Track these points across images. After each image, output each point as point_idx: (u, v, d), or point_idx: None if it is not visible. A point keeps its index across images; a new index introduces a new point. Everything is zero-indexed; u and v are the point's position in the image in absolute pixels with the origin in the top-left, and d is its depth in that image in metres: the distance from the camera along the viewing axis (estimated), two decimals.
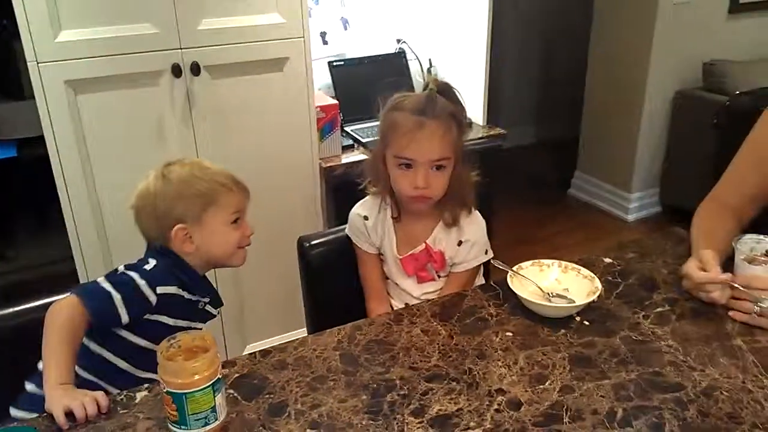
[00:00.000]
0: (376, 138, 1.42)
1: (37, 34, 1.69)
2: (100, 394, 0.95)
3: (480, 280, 1.50)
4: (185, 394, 0.86)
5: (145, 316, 1.16)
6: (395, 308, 1.42)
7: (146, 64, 1.84)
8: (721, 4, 3.36)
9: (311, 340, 1.13)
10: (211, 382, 0.88)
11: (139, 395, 0.99)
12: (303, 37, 2.04)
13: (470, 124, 2.54)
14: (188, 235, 1.23)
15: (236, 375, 1.04)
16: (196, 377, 0.86)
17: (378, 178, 1.38)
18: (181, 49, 1.87)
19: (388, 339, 1.13)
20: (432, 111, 1.28)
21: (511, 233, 3.39)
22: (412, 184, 1.31)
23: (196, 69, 1.89)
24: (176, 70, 1.87)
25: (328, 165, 2.23)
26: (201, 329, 1.26)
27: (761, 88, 3.03)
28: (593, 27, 3.51)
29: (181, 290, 1.22)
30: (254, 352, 1.09)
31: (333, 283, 1.51)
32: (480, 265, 1.44)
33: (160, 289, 1.17)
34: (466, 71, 2.60)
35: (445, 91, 1.32)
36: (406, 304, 1.41)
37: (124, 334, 1.16)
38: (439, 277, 1.45)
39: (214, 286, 2.11)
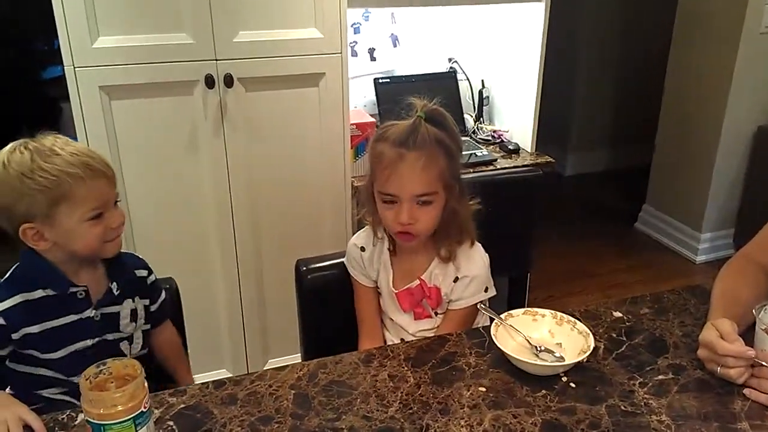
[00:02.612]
0: None
1: (74, 38, 1.74)
2: (32, 418, 0.93)
3: (484, 320, 1.39)
4: (103, 425, 0.82)
5: (26, 330, 1.11)
6: (390, 343, 1.35)
7: (180, 74, 1.86)
8: None
9: (270, 375, 1.07)
10: (134, 414, 0.84)
11: (81, 417, 0.97)
12: (341, 53, 2.01)
13: (517, 150, 2.43)
14: (39, 234, 1.09)
15: (181, 406, 1.00)
16: (118, 408, 0.83)
17: (369, 210, 1.32)
18: (216, 60, 1.88)
19: (350, 381, 1.06)
20: (413, 142, 1.20)
21: (566, 266, 3.23)
22: (396, 219, 1.23)
23: (229, 81, 1.89)
24: (209, 81, 1.88)
25: (361, 184, 2.18)
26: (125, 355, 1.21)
27: None
28: (671, 53, 3.30)
29: (46, 291, 1.13)
30: (207, 383, 1.05)
31: (329, 309, 1.46)
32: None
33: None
34: (518, 94, 2.49)
35: (435, 117, 1.23)
36: (402, 339, 1.33)
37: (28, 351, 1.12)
38: (436, 314, 1.36)
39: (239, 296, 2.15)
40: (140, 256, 1.33)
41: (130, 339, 1.24)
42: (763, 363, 1.01)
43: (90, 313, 1.18)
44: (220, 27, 1.85)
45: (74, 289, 1.16)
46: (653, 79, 3.45)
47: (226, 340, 2.22)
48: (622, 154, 4.35)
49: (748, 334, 1.07)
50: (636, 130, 3.98)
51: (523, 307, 1.19)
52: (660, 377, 1.06)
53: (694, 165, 3.25)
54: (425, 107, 1.23)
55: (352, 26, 2.41)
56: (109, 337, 1.21)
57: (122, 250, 1.27)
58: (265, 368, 1.10)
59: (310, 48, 1.97)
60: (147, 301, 1.29)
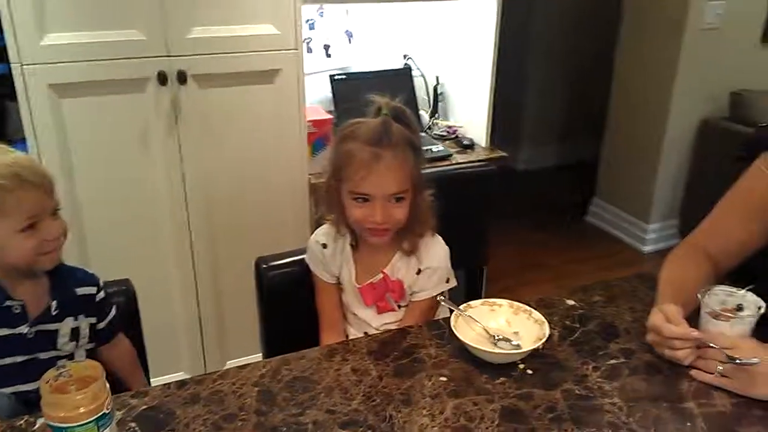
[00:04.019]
0: None
1: (21, 36, 1.69)
2: None
3: (443, 312, 1.42)
4: (66, 428, 0.82)
5: None
6: (353, 338, 1.36)
7: (132, 71, 1.83)
8: (752, 32, 3.20)
9: (232, 373, 1.07)
10: (96, 416, 0.83)
11: (40, 421, 0.95)
12: (296, 49, 2.00)
13: (472, 145, 2.47)
14: None
15: (143, 407, 0.99)
16: (80, 410, 0.82)
17: (332, 207, 1.32)
18: (168, 56, 1.85)
19: (313, 377, 1.07)
20: (388, 140, 1.21)
21: (520, 258, 3.30)
22: (370, 218, 1.24)
23: (182, 77, 1.87)
24: (162, 78, 1.85)
25: (319, 181, 2.18)
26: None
27: None
28: (618, 49, 3.40)
29: None
30: (169, 383, 1.04)
31: (289, 307, 1.46)
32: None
33: None
34: (472, 90, 2.53)
35: (399, 115, 1.25)
36: (365, 333, 1.35)
37: None
38: (399, 307, 1.38)
39: (195, 297, 2.12)
40: (92, 272, 1.28)
41: (70, 357, 1.21)
42: (710, 344, 1.06)
43: (24, 329, 1.14)
44: (173, 23, 1.83)
45: (9, 303, 1.13)
46: (602, 75, 3.55)
47: (183, 342, 2.19)
48: (572, 148, 4.46)
49: (693, 317, 1.13)
50: (586, 125, 4.09)
51: (480, 299, 1.22)
52: (612, 361, 1.11)
53: (641, 158, 3.36)
54: (389, 105, 1.24)
55: (306, 22, 2.41)
56: (43, 355, 1.17)
57: (74, 266, 1.25)
58: (225, 368, 1.10)
59: (265, 44, 1.96)
60: (93, 320, 1.25)
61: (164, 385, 1.04)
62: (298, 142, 2.11)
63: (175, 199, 1.99)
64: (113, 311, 1.29)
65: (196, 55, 1.89)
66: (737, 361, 1.01)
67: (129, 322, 1.34)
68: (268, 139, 2.06)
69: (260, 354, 2.18)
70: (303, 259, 1.46)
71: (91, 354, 1.25)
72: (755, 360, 1.00)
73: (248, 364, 1.10)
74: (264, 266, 1.46)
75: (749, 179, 1.29)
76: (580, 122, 4.27)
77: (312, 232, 2.22)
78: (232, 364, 2.25)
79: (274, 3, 1.92)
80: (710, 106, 3.20)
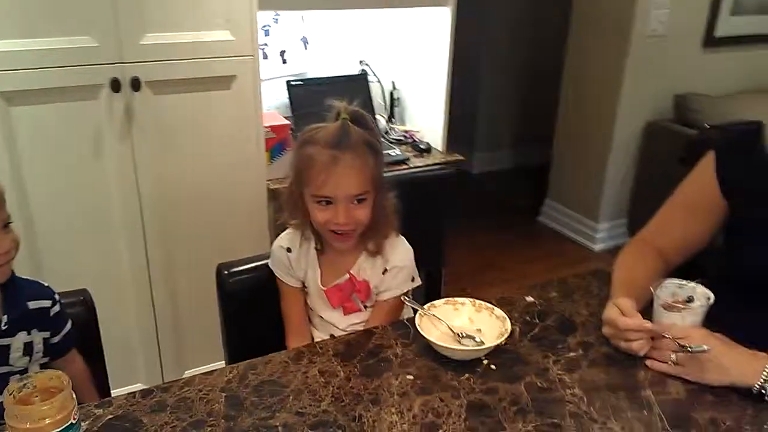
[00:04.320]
0: None
1: None
2: None
3: (407, 312, 1.44)
4: None
5: None
6: (320, 341, 1.37)
7: (84, 78, 1.79)
8: (695, 38, 3.34)
9: (198, 380, 1.07)
10: (63, 427, 0.82)
11: None
12: (252, 55, 2.00)
13: (429, 149, 2.51)
14: None
15: (109, 416, 0.97)
16: (46, 421, 0.80)
17: (296, 212, 1.33)
18: (121, 63, 1.82)
19: (281, 380, 1.07)
20: (347, 143, 1.23)
21: (475, 259, 3.35)
22: (333, 220, 1.26)
23: (136, 84, 1.85)
24: (115, 85, 1.82)
25: (277, 187, 2.18)
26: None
27: (730, 123, 3.01)
28: (567, 56, 3.50)
29: None
30: (134, 392, 1.03)
31: (252, 313, 1.45)
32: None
33: None
34: (428, 95, 2.57)
35: (358, 118, 1.27)
36: (332, 335, 1.36)
37: None
38: (365, 307, 1.40)
39: (152, 306, 2.09)
40: (47, 285, 1.25)
41: (24, 372, 1.18)
42: (663, 335, 1.11)
43: None
44: (126, 29, 1.80)
45: None
46: (553, 80, 3.64)
47: (139, 353, 2.15)
48: (525, 152, 4.57)
49: (647, 310, 1.17)
50: (537, 129, 4.19)
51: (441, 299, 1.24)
52: (571, 354, 1.15)
53: (590, 160, 3.46)
54: (347, 109, 1.26)
55: (262, 28, 2.41)
56: None
57: (27, 278, 1.22)
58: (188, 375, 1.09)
59: (221, 50, 1.95)
60: (47, 334, 1.22)
61: (129, 394, 1.03)
62: (256, 147, 2.11)
63: (130, 208, 1.96)
64: (68, 325, 1.26)
65: (150, 61, 1.86)
66: (689, 349, 1.06)
67: (88, 332, 1.31)
68: (225, 145, 2.05)
69: (219, 363, 2.16)
70: (265, 265, 1.46)
71: (44, 369, 1.22)
72: (706, 348, 1.05)
73: (214, 370, 1.10)
74: (226, 272, 1.45)
75: (695, 178, 1.35)
76: (533, 126, 4.37)
77: (271, 238, 2.24)
78: (190, 374, 2.22)
79: (230, 9, 1.91)
80: (655, 109, 3.33)
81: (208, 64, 1.94)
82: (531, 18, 4.26)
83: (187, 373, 2.21)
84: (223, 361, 2.11)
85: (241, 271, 1.46)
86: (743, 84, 3.51)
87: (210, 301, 2.11)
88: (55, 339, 1.24)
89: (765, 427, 0.98)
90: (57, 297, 1.24)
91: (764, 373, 1.03)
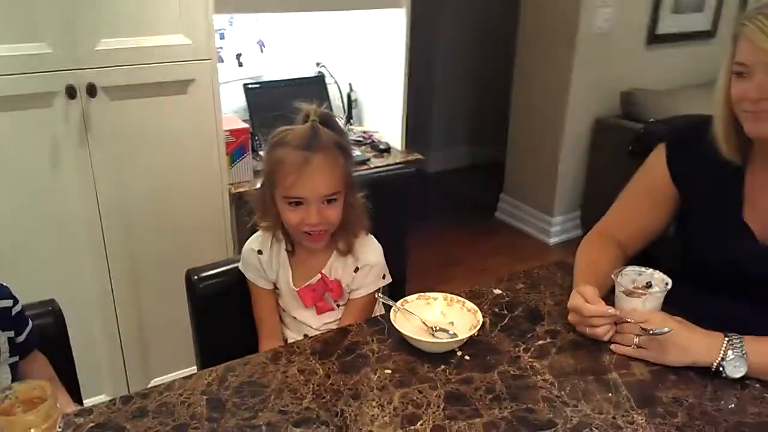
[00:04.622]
0: None
1: None
2: None
3: (380, 309, 1.47)
4: None
5: None
6: (293, 341, 1.38)
7: (38, 85, 1.76)
8: (639, 36, 3.47)
9: (178, 384, 1.07)
10: None
11: None
12: (210, 59, 1.99)
13: (388, 149, 2.54)
14: None
15: (90, 425, 0.97)
16: (32, 431, 0.80)
17: (267, 214, 1.34)
18: (76, 69, 1.79)
19: (261, 380, 1.08)
20: (317, 144, 1.25)
21: (436, 256, 3.40)
22: (305, 221, 1.28)
23: (92, 90, 1.82)
24: (71, 92, 1.79)
25: (238, 191, 2.18)
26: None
27: (673, 117, 3.14)
28: (517, 54, 3.58)
29: None
30: (114, 399, 1.02)
31: (224, 318, 1.46)
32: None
33: None
34: (385, 96, 2.60)
35: (327, 120, 1.30)
36: (305, 335, 1.37)
37: None
38: (338, 306, 1.41)
39: (115, 315, 2.06)
40: (4, 284, 1.23)
41: None
42: (626, 319, 1.17)
43: None
44: (80, 35, 1.77)
45: None
46: (506, 79, 3.72)
47: (103, 364, 2.12)
48: (481, 149, 4.64)
49: (609, 297, 1.23)
50: (492, 126, 4.27)
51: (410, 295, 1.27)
52: (540, 342, 1.20)
53: (542, 156, 3.56)
54: (317, 111, 1.28)
55: (217, 32, 2.39)
56: None
57: None
58: (171, 381, 1.09)
59: (177, 55, 1.93)
60: (11, 333, 1.20)
61: (109, 401, 1.02)
62: (216, 152, 2.10)
63: (89, 215, 1.93)
64: (30, 324, 1.25)
65: (106, 67, 1.84)
66: (651, 332, 1.12)
67: (59, 342, 1.30)
68: (184, 150, 2.03)
69: (187, 370, 2.15)
70: (234, 269, 1.46)
71: (14, 370, 1.20)
72: (666, 330, 1.11)
73: (192, 375, 1.10)
74: (195, 278, 1.45)
75: (648, 170, 1.41)
76: (488, 124, 4.44)
77: (234, 242, 2.23)
78: (156, 382, 2.19)
79: (185, 13, 1.90)
80: (603, 105, 3.44)
81: (165, 68, 1.92)
82: (482, 16, 4.32)
83: (154, 381, 2.19)
84: (191, 368, 2.11)
85: (211, 275, 1.46)
86: (684, 79, 3.66)
87: (175, 308, 2.10)
88: (20, 338, 1.22)
89: (722, 402, 1.05)
90: (15, 296, 1.23)
91: (721, 351, 1.09)
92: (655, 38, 3.52)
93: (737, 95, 1.16)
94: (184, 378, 1.09)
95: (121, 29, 1.83)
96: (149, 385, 2.11)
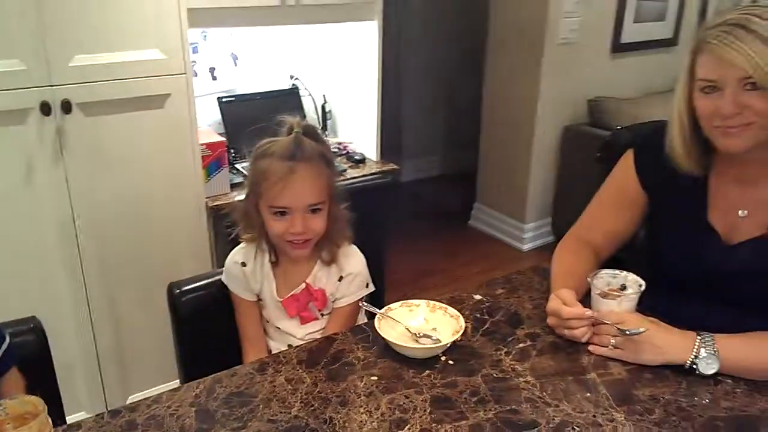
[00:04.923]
0: None
1: None
2: None
3: (363, 317, 1.49)
4: None
5: None
6: (277, 351, 1.39)
7: (12, 102, 1.74)
8: (603, 45, 3.57)
9: (166, 397, 1.07)
10: None
11: None
12: (185, 73, 2.00)
13: (363, 159, 2.57)
14: None
15: None
16: None
17: (251, 225, 1.36)
18: (50, 86, 1.79)
19: (249, 391, 1.09)
20: (301, 154, 1.28)
21: (412, 265, 3.43)
22: (289, 230, 1.30)
23: (67, 107, 1.81)
24: (45, 108, 1.78)
25: (216, 204, 2.18)
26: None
27: (639, 123, 3.23)
28: (487, 64, 3.65)
29: None
30: (102, 413, 1.03)
31: (207, 331, 1.46)
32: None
33: None
34: (359, 107, 2.63)
35: (310, 132, 1.32)
36: (290, 345, 1.38)
37: None
38: (322, 315, 1.43)
39: (92, 333, 2.04)
40: None
41: None
42: (603, 321, 1.20)
43: None
44: (54, 51, 1.77)
45: None
46: (477, 88, 3.78)
47: (81, 382, 2.10)
48: (453, 158, 4.70)
49: (585, 300, 1.27)
50: (465, 135, 4.32)
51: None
52: (521, 345, 1.23)
53: (514, 164, 3.62)
54: (300, 123, 1.31)
55: (190, 46, 2.40)
56: None
57: None
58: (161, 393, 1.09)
59: (152, 69, 1.94)
60: None
61: (96, 415, 1.02)
62: (192, 166, 2.10)
63: (65, 233, 1.91)
64: (7, 339, 1.24)
65: (81, 83, 1.84)
66: (627, 332, 1.16)
67: (41, 359, 1.29)
68: (161, 164, 2.04)
69: (166, 384, 2.14)
70: (216, 281, 1.47)
71: None
72: (641, 330, 1.15)
73: (180, 387, 1.10)
74: (177, 291, 1.45)
75: (618, 175, 1.46)
76: (461, 133, 4.49)
77: (213, 255, 2.23)
78: (134, 398, 2.18)
79: (159, 28, 1.91)
80: (571, 113, 3.53)
81: (140, 83, 1.93)
82: (453, 26, 4.39)
83: (132, 398, 2.17)
84: (170, 382, 2.10)
85: (193, 288, 1.47)
86: (649, 86, 3.77)
87: (154, 323, 2.10)
88: None
89: (696, 398, 1.09)
90: None
91: (694, 349, 1.14)
92: (619, 47, 3.62)
93: (707, 111, 1.17)
94: (171, 390, 1.09)
95: (96, 45, 1.83)
96: (128, 402, 2.12)
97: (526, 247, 3.66)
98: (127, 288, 2.08)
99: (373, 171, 2.50)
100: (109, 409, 1.04)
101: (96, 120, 1.89)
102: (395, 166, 2.58)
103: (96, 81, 1.86)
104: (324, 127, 2.71)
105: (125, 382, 2.19)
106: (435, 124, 4.67)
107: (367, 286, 1.43)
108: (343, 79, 2.67)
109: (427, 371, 1.15)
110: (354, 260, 1.41)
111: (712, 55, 1.14)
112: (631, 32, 3.63)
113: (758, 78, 1.10)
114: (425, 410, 1.05)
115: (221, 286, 1.46)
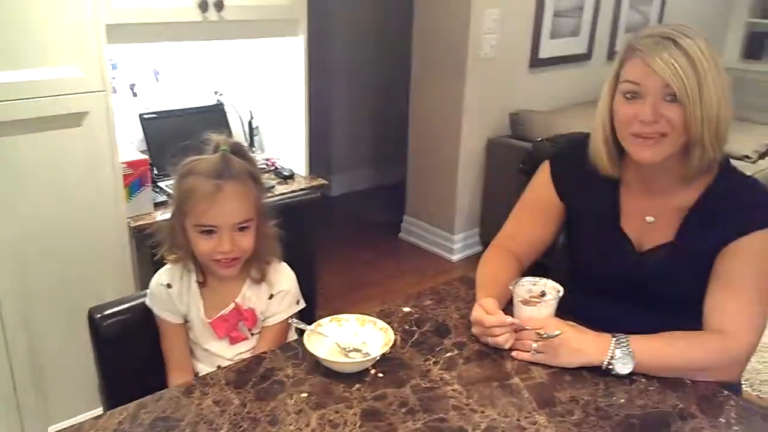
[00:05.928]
0: None
1: None
2: None
3: (293, 334, 1.48)
4: None
5: None
6: (205, 374, 1.36)
7: None
8: (522, 60, 3.70)
9: (88, 425, 1.04)
10: None
11: None
12: (104, 90, 1.95)
13: (292, 175, 2.56)
14: None
15: None
16: None
17: (177, 245, 1.33)
18: None
19: (175, 415, 1.07)
20: (229, 173, 1.27)
21: (344, 279, 3.44)
22: (217, 249, 1.28)
23: None
24: None
25: (138, 224, 2.12)
26: None
27: (558, 135, 3.36)
28: (412, 78, 3.71)
29: None
30: None
31: (130, 356, 1.42)
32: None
33: None
34: (287, 123, 2.62)
35: (238, 150, 1.32)
36: (219, 366, 1.36)
37: None
38: (252, 335, 1.42)
39: (9, 363, 1.95)
40: None
41: None
42: (525, 327, 1.25)
43: None
44: None
45: None
46: (405, 100, 3.83)
47: None
48: (382, 171, 4.74)
49: (508, 307, 1.32)
50: (394, 147, 4.37)
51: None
52: (448, 354, 1.26)
53: (441, 176, 3.69)
54: (227, 141, 1.30)
55: (109, 62, 2.34)
56: None
57: None
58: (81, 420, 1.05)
59: (69, 87, 1.88)
60: None
61: None
62: (113, 185, 2.04)
63: None
64: None
65: None
66: (544, 336, 1.21)
67: None
68: (80, 185, 1.97)
69: (88, 413, 2.06)
70: (139, 304, 1.44)
71: None
72: (557, 333, 1.20)
73: (103, 414, 1.07)
74: (98, 316, 1.40)
75: (535, 185, 1.53)
76: (390, 145, 4.53)
77: (135, 277, 2.17)
78: (55, 428, 2.09)
79: (77, 44, 1.85)
80: (494, 125, 3.63)
81: (56, 101, 1.86)
82: (379, 37, 4.44)
83: (53, 428, 2.08)
84: (94, 410, 2.02)
85: (115, 312, 1.42)
86: (566, 98, 3.94)
87: (75, 349, 2.02)
88: None
89: (613, 398, 1.15)
90: None
91: (609, 350, 1.20)
92: (537, 62, 3.77)
93: (627, 116, 1.24)
94: (94, 418, 1.06)
95: (8, 61, 1.76)
96: (49, 431, 2.03)
97: (455, 257, 3.73)
98: (46, 313, 1.99)
99: (302, 186, 2.49)
100: None
101: (10, 140, 1.81)
102: (324, 181, 2.58)
103: (9, 99, 1.78)
104: (251, 143, 2.69)
105: (46, 411, 2.09)
106: (364, 137, 4.70)
107: (297, 302, 1.43)
108: (270, 94, 2.65)
109: (357, 385, 1.16)
110: (284, 277, 1.41)
111: (639, 60, 1.21)
112: (549, 48, 3.78)
113: (677, 90, 1.18)
114: (355, 424, 1.06)
115: (145, 310, 1.42)
